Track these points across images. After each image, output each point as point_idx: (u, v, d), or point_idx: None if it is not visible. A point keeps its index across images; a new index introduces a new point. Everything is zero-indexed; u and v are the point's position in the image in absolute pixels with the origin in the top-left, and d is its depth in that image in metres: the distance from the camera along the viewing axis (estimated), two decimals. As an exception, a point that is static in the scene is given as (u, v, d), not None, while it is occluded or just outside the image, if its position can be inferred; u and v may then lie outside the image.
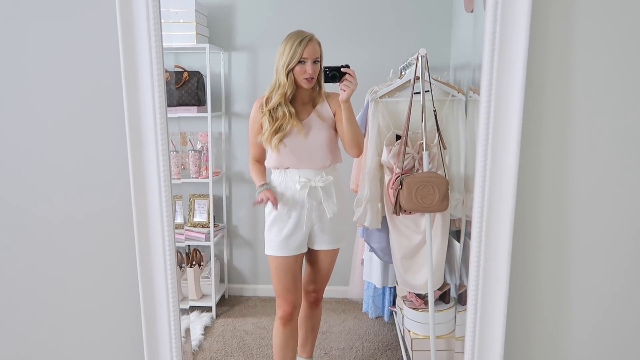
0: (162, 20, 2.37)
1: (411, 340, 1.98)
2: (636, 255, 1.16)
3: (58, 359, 1.27)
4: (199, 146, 2.65)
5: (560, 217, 1.13)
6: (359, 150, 1.78)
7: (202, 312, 2.59)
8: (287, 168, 1.78)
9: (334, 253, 1.90)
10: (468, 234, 1.97)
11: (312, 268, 1.93)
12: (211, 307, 2.60)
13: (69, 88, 1.14)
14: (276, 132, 1.72)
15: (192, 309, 2.61)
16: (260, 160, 1.88)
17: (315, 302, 2.00)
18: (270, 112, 1.73)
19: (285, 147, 1.75)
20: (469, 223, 1.90)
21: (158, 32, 1.00)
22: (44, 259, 1.22)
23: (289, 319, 1.86)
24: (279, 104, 1.71)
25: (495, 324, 1.06)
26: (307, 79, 1.70)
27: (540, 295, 1.17)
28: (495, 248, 1.04)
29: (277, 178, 1.82)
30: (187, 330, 2.28)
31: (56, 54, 1.13)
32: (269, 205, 1.78)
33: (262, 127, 1.78)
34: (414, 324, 1.97)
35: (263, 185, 1.83)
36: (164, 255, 1.12)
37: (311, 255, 1.89)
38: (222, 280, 2.83)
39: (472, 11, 2.11)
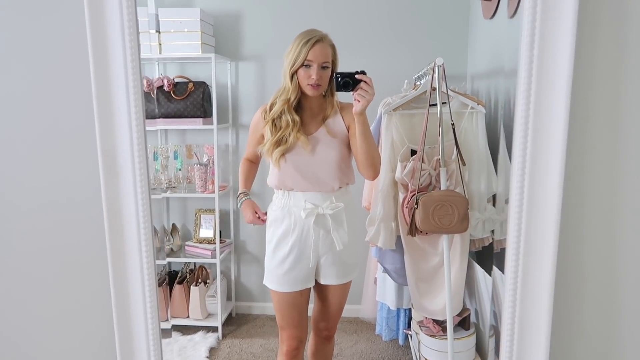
0: (168, 30, 2.32)
1: (428, 368, 1.85)
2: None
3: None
4: (205, 159, 2.55)
5: (610, 248, 1.00)
6: (374, 171, 1.51)
7: (208, 332, 2.49)
8: (291, 190, 1.54)
9: (346, 287, 1.65)
10: (473, 254, 1.86)
11: (321, 303, 1.69)
12: (217, 327, 2.50)
13: (34, 106, 1.04)
14: (278, 144, 1.49)
15: (197, 329, 2.51)
16: (253, 160, 1.70)
17: (327, 338, 1.78)
18: (273, 120, 1.50)
19: (286, 163, 1.51)
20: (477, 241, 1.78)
21: (134, 39, 0.89)
22: (16, 286, 1.12)
23: (295, 355, 1.65)
24: (283, 112, 1.49)
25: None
26: (311, 85, 1.45)
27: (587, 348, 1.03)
28: (534, 283, 0.91)
29: (279, 201, 1.58)
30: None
31: (24, 71, 1.03)
32: (271, 227, 1.57)
33: (263, 136, 1.57)
34: (431, 351, 1.84)
35: (243, 194, 1.66)
36: (142, 284, 1.01)
37: (320, 289, 1.65)
38: (229, 298, 2.73)
39: (491, 18, 1.98)
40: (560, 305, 1.00)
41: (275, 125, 1.50)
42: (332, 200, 1.53)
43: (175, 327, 2.48)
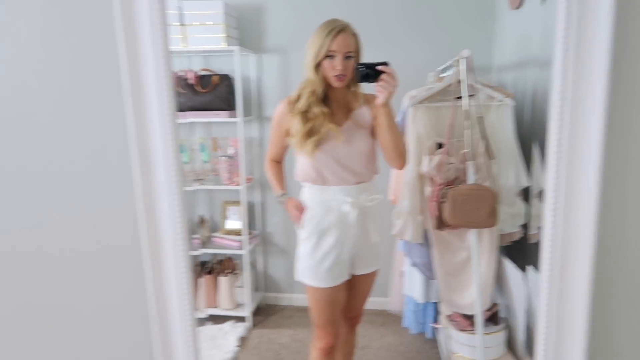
0: (189, 23, 2.32)
1: (456, 362, 1.83)
2: None
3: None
4: (231, 152, 2.57)
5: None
6: (402, 160, 1.48)
7: (237, 322, 2.53)
8: (327, 183, 1.49)
9: (375, 274, 1.64)
10: (502, 249, 1.81)
11: (352, 293, 1.66)
12: (245, 317, 2.53)
13: (67, 102, 1.05)
14: (309, 134, 1.44)
15: (227, 318, 2.55)
16: (278, 159, 1.63)
17: (356, 324, 1.78)
18: (302, 111, 1.45)
19: (322, 154, 1.45)
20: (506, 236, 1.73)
21: (164, 34, 0.89)
22: (48, 291, 1.16)
23: (331, 352, 1.61)
24: (311, 104, 1.44)
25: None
26: (336, 76, 1.40)
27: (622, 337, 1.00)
28: (572, 280, 0.88)
29: (314, 195, 1.52)
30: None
31: (52, 65, 1.04)
32: (310, 223, 1.52)
33: (288, 131, 1.50)
34: (460, 346, 1.82)
35: (284, 195, 1.59)
36: (177, 274, 1.02)
37: (352, 280, 1.61)
38: (257, 289, 2.76)
39: (517, 8, 1.91)
40: (599, 302, 0.96)
41: (305, 116, 1.45)
42: (369, 191, 1.52)
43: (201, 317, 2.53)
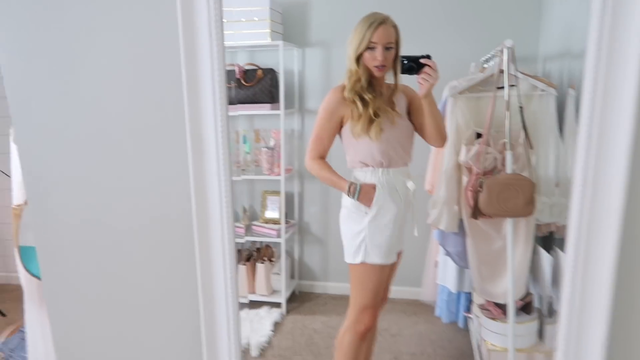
0: (236, 20, 2.44)
1: (488, 351, 1.86)
2: None
3: (121, 348, 1.31)
4: (272, 143, 2.67)
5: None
6: (444, 140, 1.61)
7: (272, 307, 2.62)
8: (385, 165, 1.57)
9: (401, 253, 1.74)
10: (539, 239, 1.83)
11: (390, 273, 1.73)
12: (280, 303, 2.62)
13: (130, 93, 1.15)
14: (373, 117, 1.51)
15: (262, 304, 2.65)
16: (324, 155, 1.64)
17: (383, 308, 1.83)
18: (359, 96, 1.52)
19: (386, 135, 1.53)
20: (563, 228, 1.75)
21: (220, 32, 0.97)
22: (111, 261, 1.26)
23: (370, 333, 1.70)
24: (362, 90, 1.52)
25: (593, 347, 0.94)
26: (377, 66, 1.49)
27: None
28: (596, 266, 0.92)
29: (377, 178, 1.57)
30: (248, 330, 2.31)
31: (119, 60, 1.14)
32: (375, 207, 1.58)
33: (343, 118, 1.56)
34: (491, 334, 1.85)
35: (354, 184, 1.59)
36: (223, 256, 1.09)
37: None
38: (292, 277, 2.85)
39: (564, -3, 1.93)
40: (622, 289, 0.99)
41: (363, 100, 1.52)
42: (410, 174, 1.64)
43: (242, 302, 2.63)
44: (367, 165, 1.58)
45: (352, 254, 1.61)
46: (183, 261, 1.21)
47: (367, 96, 1.52)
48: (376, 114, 1.51)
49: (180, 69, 1.02)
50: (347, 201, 1.62)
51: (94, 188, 1.23)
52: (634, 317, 1.02)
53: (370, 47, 1.48)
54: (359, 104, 1.51)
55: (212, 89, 1.01)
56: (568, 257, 0.93)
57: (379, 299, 1.65)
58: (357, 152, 1.58)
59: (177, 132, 1.13)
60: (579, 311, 0.96)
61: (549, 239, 1.81)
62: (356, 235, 1.60)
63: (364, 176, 1.59)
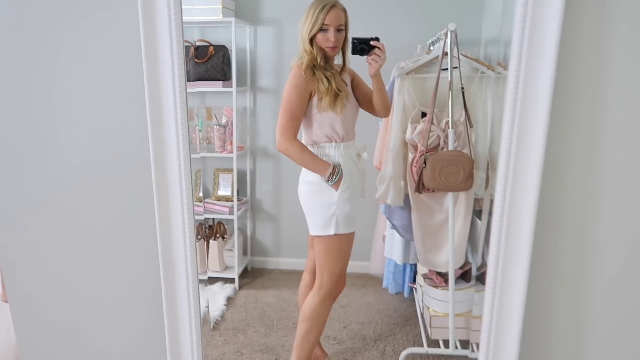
0: (189, -6, 2.40)
1: (430, 317, 1.99)
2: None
3: (80, 321, 1.33)
4: (224, 121, 2.67)
5: (587, 203, 1.11)
6: (388, 111, 1.79)
7: (225, 283, 2.66)
8: (347, 140, 1.71)
9: None
10: (477, 212, 1.96)
11: None
12: (234, 278, 2.66)
13: (91, 65, 1.15)
14: (338, 91, 1.62)
15: (216, 280, 2.68)
16: (296, 134, 1.69)
17: None
18: (325, 73, 1.62)
19: (347, 110, 1.66)
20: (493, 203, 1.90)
21: (178, 5, 1.00)
22: (68, 234, 1.26)
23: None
24: (319, 69, 1.63)
25: (514, 304, 1.06)
26: (330, 47, 1.63)
27: (562, 277, 1.15)
28: (516, 228, 1.03)
29: (338, 151, 1.69)
30: (207, 301, 2.35)
31: (78, 33, 1.14)
32: (345, 182, 1.68)
33: (311, 94, 1.64)
34: (433, 301, 1.98)
35: (337, 167, 1.68)
36: (183, 227, 1.14)
37: None
38: (245, 253, 2.89)
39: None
40: (539, 241, 1.11)
41: (327, 76, 1.62)
42: (364, 146, 1.79)
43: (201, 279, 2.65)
44: (330, 140, 1.68)
45: (323, 227, 1.71)
46: (144, 237, 1.24)
47: (327, 73, 1.62)
48: (339, 89, 1.63)
49: (140, 40, 1.04)
50: (311, 177, 1.70)
51: (56, 162, 1.23)
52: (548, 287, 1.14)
53: (323, 29, 1.60)
54: (325, 79, 1.61)
55: (170, 60, 1.03)
56: (494, 222, 1.04)
57: (348, 262, 1.82)
58: (320, 126, 1.67)
59: (136, 104, 1.15)
60: (502, 270, 1.07)
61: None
62: (327, 209, 1.70)
63: (328, 151, 1.70)
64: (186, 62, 1.05)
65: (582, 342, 1.19)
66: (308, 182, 1.72)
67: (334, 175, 1.66)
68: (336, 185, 1.67)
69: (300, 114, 1.65)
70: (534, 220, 1.02)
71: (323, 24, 1.59)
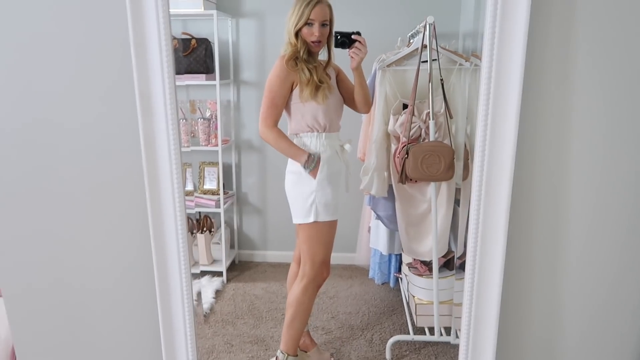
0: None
1: (415, 305, 2.03)
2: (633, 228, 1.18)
3: (74, 315, 1.33)
4: (208, 114, 2.66)
5: (560, 188, 1.14)
6: (369, 106, 1.83)
7: (213, 276, 2.67)
8: (330, 130, 1.75)
9: None
10: (458, 201, 2.00)
11: None
12: (222, 271, 2.68)
13: (79, 56, 1.16)
14: (319, 82, 1.68)
15: (204, 273, 2.69)
16: (276, 123, 1.76)
17: None
18: (307, 64, 1.68)
19: (329, 101, 1.71)
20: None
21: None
22: (59, 227, 1.27)
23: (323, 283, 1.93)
24: (301, 61, 1.69)
25: (492, 289, 1.09)
26: (314, 42, 1.68)
27: (537, 262, 1.19)
28: (493, 215, 1.06)
29: (321, 141, 1.74)
30: (199, 294, 2.36)
31: (65, 24, 1.14)
32: (323, 170, 1.74)
33: (293, 85, 1.70)
34: (418, 289, 2.02)
35: (314, 155, 1.74)
36: (175, 220, 1.15)
37: None
38: (232, 246, 2.90)
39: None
40: (515, 228, 1.15)
41: (309, 67, 1.68)
42: (350, 140, 1.84)
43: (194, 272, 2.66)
44: (312, 130, 1.73)
45: (304, 215, 1.78)
46: (136, 230, 1.25)
47: (309, 66, 1.67)
48: (321, 81, 1.67)
49: (128, 30, 1.04)
50: (295, 167, 1.76)
51: (44, 156, 1.22)
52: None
53: (308, 24, 1.65)
54: (306, 71, 1.66)
55: (159, 52, 1.05)
56: (472, 209, 1.07)
57: (331, 251, 1.85)
58: (303, 116, 1.72)
59: (126, 93, 1.15)
60: (480, 255, 1.11)
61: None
62: (307, 197, 1.76)
63: (309, 141, 1.74)
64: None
65: (558, 325, 1.23)
66: (292, 172, 1.80)
67: (310, 162, 1.72)
68: (313, 172, 1.72)
69: (281, 103, 1.72)
70: (508, 202, 1.05)
71: (308, 18, 1.65)
